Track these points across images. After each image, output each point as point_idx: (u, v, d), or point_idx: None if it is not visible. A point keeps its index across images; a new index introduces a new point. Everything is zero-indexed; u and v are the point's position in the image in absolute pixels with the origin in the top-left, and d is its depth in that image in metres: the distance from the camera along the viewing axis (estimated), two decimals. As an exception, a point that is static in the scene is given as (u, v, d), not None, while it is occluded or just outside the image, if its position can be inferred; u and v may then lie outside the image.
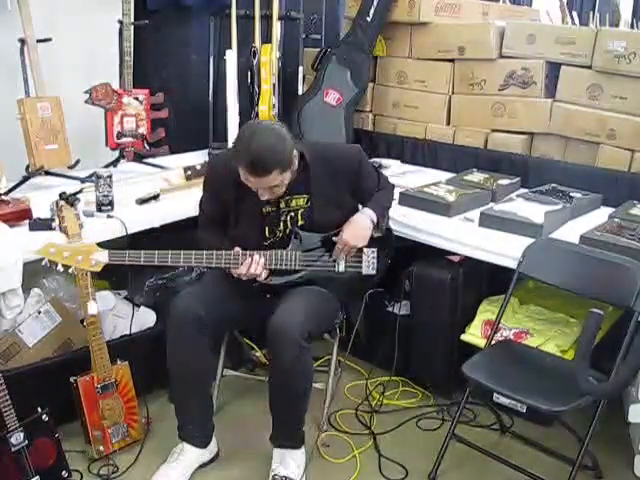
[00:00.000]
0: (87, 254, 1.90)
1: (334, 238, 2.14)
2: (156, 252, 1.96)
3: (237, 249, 2.03)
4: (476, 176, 2.87)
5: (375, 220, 2.15)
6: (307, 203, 2.12)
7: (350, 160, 2.18)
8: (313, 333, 2.01)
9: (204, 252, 1.99)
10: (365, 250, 2.18)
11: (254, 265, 2.01)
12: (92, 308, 2.10)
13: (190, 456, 2.13)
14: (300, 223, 2.13)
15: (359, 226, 2.12)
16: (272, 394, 2.07)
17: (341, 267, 2.16)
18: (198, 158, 3.04)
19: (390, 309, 2.67)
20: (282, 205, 2.11)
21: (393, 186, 2.37)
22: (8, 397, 1.85)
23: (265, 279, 2.06)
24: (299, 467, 2.11)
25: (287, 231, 2.13)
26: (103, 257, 1.91)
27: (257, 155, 1.86)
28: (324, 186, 2.11)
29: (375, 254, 2.20)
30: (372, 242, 2.18)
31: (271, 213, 2.11)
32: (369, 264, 2.20)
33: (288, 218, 2.12)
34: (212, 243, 2.08)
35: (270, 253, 2.06)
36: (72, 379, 2.13)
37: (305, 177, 2.09)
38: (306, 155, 2.08)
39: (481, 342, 2.33)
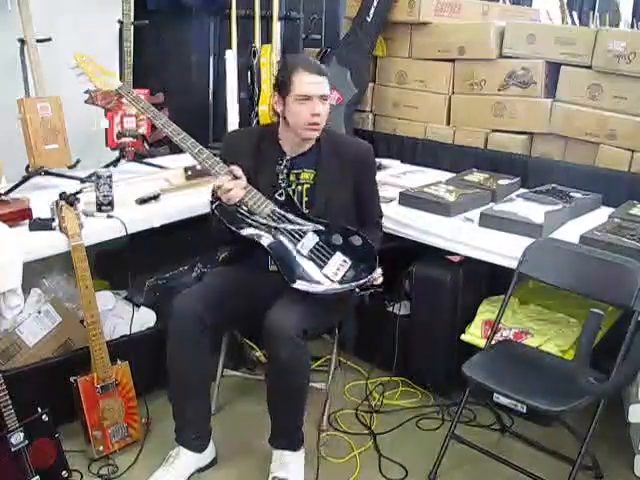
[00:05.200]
0: (106, 77, 2.22)
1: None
2: (164, 117, 2.12)
3: (233, 167, 2.04)
4: (476, 176, 2.87)
5: None
6: (313, 180, 2.17)
7: (358, 151, 2.24)
8: (310, 331, 2.00)
9: (199, 146, 2.07)
10: (337, 256, 2.08)
11: (233, 183, 1.99)
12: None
13: (185, 460, 2.11)
14: (305, 200, 2.17)
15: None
16: (270, 393, 2.07)
17: (310, 245, 2.06)
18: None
19: (390, 309, 2.67)
20: (292, 178, 2.16)
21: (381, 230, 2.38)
22: (8, 397, 1.85)
23: (237, 205, 2.04)
24: (298, 469, 2.10)
25: (302, 203, 2.17)
26: (116, 83, 2.22)
27: (314, 60, 2.17)
28: (330, 167, 2.17)
29: (346, 266, 2.06)
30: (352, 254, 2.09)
31: (283, 184, 2.15)
32: (336, 270, 2.04)
33: (297, 190, 2.17)
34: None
35: (251, 189, 2.05)
36: (72, 379, 2.13)
37: (316, 154, 2.17)
38: (320, 135, 2.17)
39: (481, 342, 2.33)
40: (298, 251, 2.05)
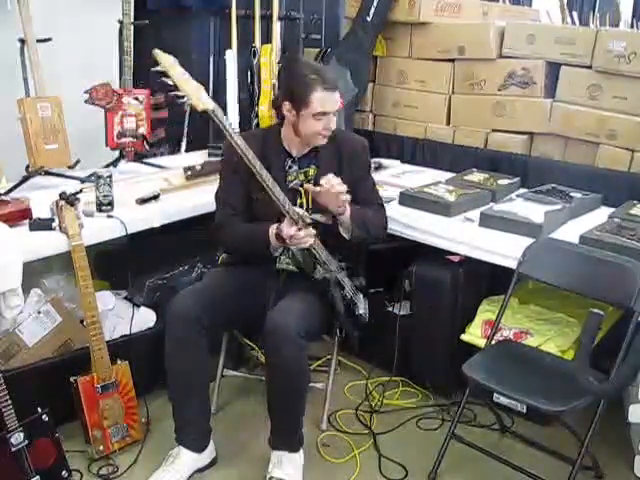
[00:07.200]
0: (198, 91, 1.97)
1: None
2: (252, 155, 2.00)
3: (301, 211, 2.05)
4: (476, 176, 2.87)
5: (348, 221, 2.12)
6: (315, 174, 2.18)
7: (355, 146, 2.26)
8: (311, 332, 2.01)
9: (282, 194, 2.01)
10: (360, 297, 2.32)
11: (307, 231, 2.01)
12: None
13: (185, 460, 2.10)
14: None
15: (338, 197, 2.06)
16: (269, 394, 2.07)
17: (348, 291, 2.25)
18: (198, 158, 3.03)
19: (390, 309, 2.67)
20: (302, 177, 2.18)
21: (385, 223, 2.33)
22: (8, 397, 1.85)
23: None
24: (296, 471, 2.10)
25: (308, 202, 2.18)
26: (210, 103, 1.98)
27: (328, 72, 2.12)
28: (329, 160, 2.18)
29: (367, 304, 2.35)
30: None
31: (292, 182, 2.17)
32: (365, 306, 2.34)
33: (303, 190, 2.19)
34: (249, 230, 2.13)
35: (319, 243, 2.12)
36: (72, 379, 2.13)
37: (316, 151, 2.19)
38: None
39: (481, 342, 2.33)
40: (344, 296, 2.23)
